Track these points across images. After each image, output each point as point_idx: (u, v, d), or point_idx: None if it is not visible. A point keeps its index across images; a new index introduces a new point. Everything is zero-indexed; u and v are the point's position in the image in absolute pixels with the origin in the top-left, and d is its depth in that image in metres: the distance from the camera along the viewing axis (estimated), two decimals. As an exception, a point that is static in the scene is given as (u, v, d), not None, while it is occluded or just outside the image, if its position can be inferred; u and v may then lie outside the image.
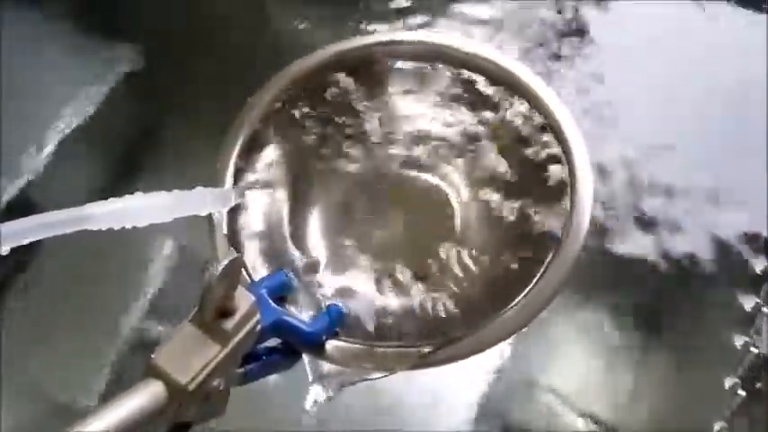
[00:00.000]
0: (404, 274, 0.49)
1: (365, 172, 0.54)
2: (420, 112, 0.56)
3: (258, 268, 0.50)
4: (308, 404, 0.45)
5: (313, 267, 0.50)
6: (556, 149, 0.53)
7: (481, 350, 0.47)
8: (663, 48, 0.58)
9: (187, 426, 0.38)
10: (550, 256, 0.49)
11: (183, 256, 0.51)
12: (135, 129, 0.59)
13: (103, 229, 0.42)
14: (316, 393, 0.45)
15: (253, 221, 0.52)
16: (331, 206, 0.52)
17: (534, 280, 0.49)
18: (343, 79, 0.57)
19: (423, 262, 0.50)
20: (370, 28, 0.60)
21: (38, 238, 0.40)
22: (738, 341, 0.47)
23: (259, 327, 0.40)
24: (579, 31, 0.60)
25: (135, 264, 0.51)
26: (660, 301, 0.49)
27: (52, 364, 0.48)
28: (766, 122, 0.54)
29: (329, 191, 0.53)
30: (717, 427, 0.44)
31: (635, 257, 0.50)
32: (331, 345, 0.47)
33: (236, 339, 0.38)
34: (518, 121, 0.55)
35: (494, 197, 0.52)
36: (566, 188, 0.52)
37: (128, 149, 0.57)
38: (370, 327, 0.48)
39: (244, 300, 0.39)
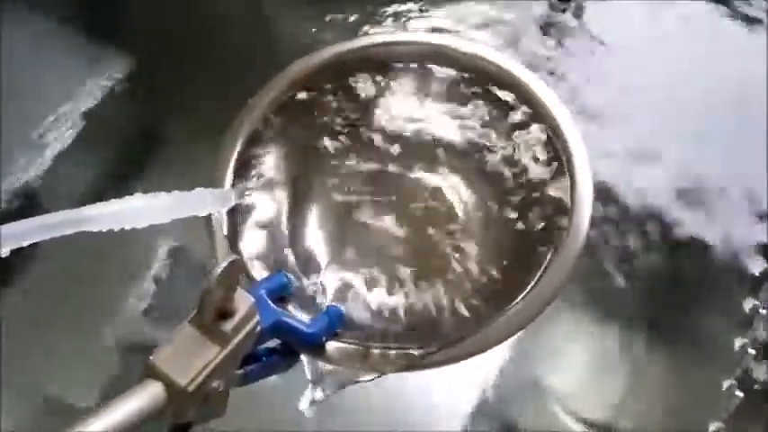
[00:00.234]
0: (404, 275, 0.49)
1: (365, 173, 0.54)
2: (420, 113, 0.56)
3: (258, 269, 0.50)
4: (308, 405, 0.45)
5: (313, 268, 0.50)
6: (555, 150, 0.53)
7: (481, 351, 0.47)
8: (663, 48, 0.58)
9: (187, 427, 0.38)
10: (550, 256, 0.49)
11: (182, 257, 0.51)
12: (135, 129, 0.59)
13: (103, 230, 0.42)
14: (315, 394, 0.45)
15: (252, 222, 0.52)
16: (331, 207, 0.52)
17: (534, 281, 0.49)
18: (344, 80, 0.57)
19: (423, 263, 0.50)
20: (371, 29, 0.60)
21: (37, 240, 0.40)
22: (736, 343, 0.47)
23: (258, 328, 0.40)
24: (579, 31, 0.60)
25: (134, 264, 0.51)
26: (659, 303, 0.49)
27: (52, 364, 0.49)
28: (766, 123, 0.54)
29: (329, 191, 0.53)
30: (714, 427, 0.44)
31: (634, 259, 0.50)
32: (331, 346, 0.47)
33: (236, 341, 0.38)
34: (518, 122, 0.55)
35: (494, 198, 0.52)
36: (565, 188, 0.52)
37: (127, 150, 0.57)
38: (370, 328, 0.48)
39: (243, 301, 0.39)
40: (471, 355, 0.47)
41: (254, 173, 0.54)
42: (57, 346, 0.49)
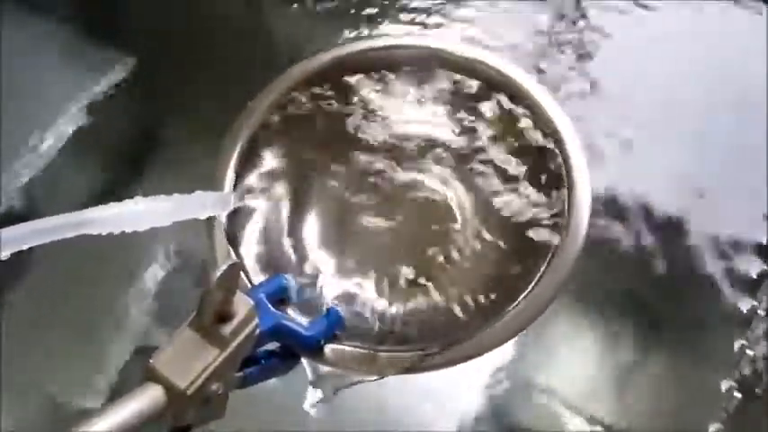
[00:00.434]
0: (403, 278, 0.49)
1: (365, 175, 0.54)
2: (419, 115, 0.56)
3: (257, 272, 0.50)
4: (307, 407, 0.45)
5: (312, 271, 0.50)
6: (554, 151, 0.53)
7: (481, 353, 0.47)
8: (663, 48, 0.58)
9: (186, 429, 0.38)
10: (549, 258, 0.49)
11: (182, 259, 0.52)
12: (135, 130, 0.59)
13: (103, 233, 0.42)
14: (315, 397, 0.45)
15: (252, 225, 0.52)
16: (330, 209, 0.53)
17: (534, 282, 0.49)
18: (343, 83, 0.57)
19: (422, 265, 0.50)
20: (370, 32, 0.60)
21: (38, 243, 0.40)
22: (735, 344, 0.47)
23: (258, 331, 0.40)
24: (579, 33, 0.60)
25: (134, 267, 0.51)
26: (658, 304, 0.49)
27: (52, 364, 0.49)
28: (766, 123, 0.54)
29: (329, 194, 0.53)
30: (713, 428, 0.44)
31: (633, 260, 0.50)
32: (330, 348, 0.47)
33: (235, 343, 0.38)
34: (517, 124, 0.55)
35: (493, 199, 0.52)
36: (564, 190, 0.52)
37: (127, 153, 0.58)
38: (369, 330, 0.48)
39: (242, 304, 0.39)
40: (471, 356, 0.47)
41: (253, 175, 0.54)
42: (57, 346, 0.49)
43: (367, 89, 0.57)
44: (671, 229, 0.51)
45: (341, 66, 0.58)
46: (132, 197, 0.45)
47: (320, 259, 0.50)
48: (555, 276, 0.49)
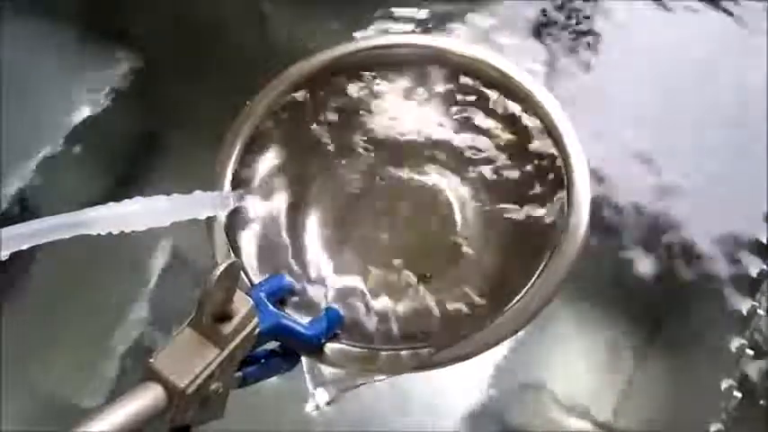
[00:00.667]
0: (403, 277, 0.50)
1: (365, 175, 0.54)
2: (420, 115, 0.56)
3: (257, 272, 0.50)
4: (307, 407, 0.45)
5: (312, 270, 0.50)
6: (553, 151, 0.53)
7: (480, 352, 0.47)
8: (664, 49, 0.58)
9: (186, 429, 0.38)
10: (549, 257, 0.49)
11: (181, 260, 0.52)
12: (134, 132, 0.59)
13: (103, 233, 0.42)
14: (314, 396, 0.45)
15: (252, 225, 0.52)
16: (330, 209, 0.53)
17: (533, 281, 0.49)
18: (343, 83, 0.57)
19: (422, 264, 0.50)
20: (369, 32, 0.60)
21: (37, 243, 0.40)
22: (735, 343, 0.47)
23: (257, 330, 0.40)
24: (579, 34, 0.60)
25: (134, 267, 0.51)
26: (657, 304, 0.49)
27: (52, 365, 0.49)
28: (766, 125, 0.54)
29: (328, 194, 0.53)
30: (713, 428, 0.45)
31: (633, 259, 0.50)
32: (330, 347, 0.47)
33: (235, 343, 0.38)
34: (516, 124, 0.55)
35: (493, 198, 0.52)
36: (564, 189, 0.52)
37: (127, 153, 0.58)
38: (369, 329, 0.48)
39: (242, 303, 0.39)
40: (471, 356, 0.47)
41: (253, 175, 0.54)
42: (57, 346, 0.49)
43: (366, 89, 0.57)
44: (671, 229, 0.51)
45: (340, 65, 0.58)
46: (131, 197, 0.45)
47: (320, 258, 0.50)
48: (554, 276, 0.49)
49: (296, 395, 0.45)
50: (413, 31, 0.60)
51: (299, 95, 0.57)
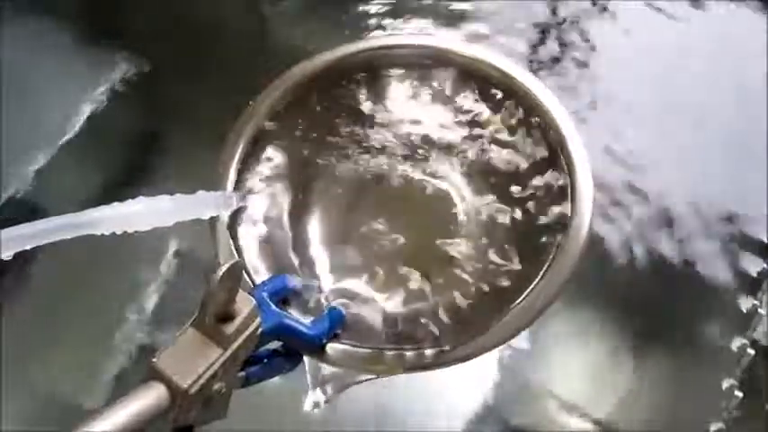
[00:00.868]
0: (405, 276, 0.50)
1: (367, 174, 0.54)
2: (420, 114, 0.56)
3: (259, 272, 0.50)
4: (309, 406, 0.45)
5: (314, 270, 0.50)
6: (557, 152, 0.53)
7: (482, 352, 0.47)
8: (664, 48, 0.58)
9: (189, 428, 0.38)
10: (551, 257, 0.50)
11: (184, 259, 0.52)
12: (137, 133, 0.59)
13: (106, 233, 0.42)
14: (316, 396, 0.45)
15: (254, 225, 0.52)
16: (332, 209, 0.53)
17: (535, 282, 0.49)
18: (345, 83, 0.57)
19: (424, 264, 0.50)
20: (371, 33, 0.60)
21: (40, 243, 0.40)
22: (736, 343, 0.47)
23: (260, 330, 0.40)
24: (579, 34, 0.60)
25: (137, 267, 0.51)
26: (659, 304, 0.49)
27: (52, 365, 0.49)
28: (766, 123, 0.54)
29: (331, 194, 0.53)
30: (714, 427, 0.45)
31: (634, 260, 0.50)
32: (332, 347, 0.47)
33: (237, 343, 0.38)
34: (518, 124, 0.55)
35: (495, 199, 0.52)
36: (566, 191, 0.52)
37: (130, 153, 0.58)
38: (371, 329, 0.48)
39: (245, 303, 0.39)
40: (472, 356, 0.47)
41: (256, 175, 0.54)
42: (57, 346, 0.49)
43: (368, 89, 0.57)
44: (671, 229, 0.51)
45: (342, 66, 0.58)
46: (133, 197, 0.45)
47: (322, 258, 0.51)
48: (557, 277, 0.49)
49: (298, 395, 0.45)
50: (415, 31, 0.60)
51: (302, 96, 0.57)
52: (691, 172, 0.53)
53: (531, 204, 0.52)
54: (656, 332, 0.48)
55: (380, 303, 0.49)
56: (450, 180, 0.53)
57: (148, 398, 0.35)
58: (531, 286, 0.49)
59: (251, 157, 0.54)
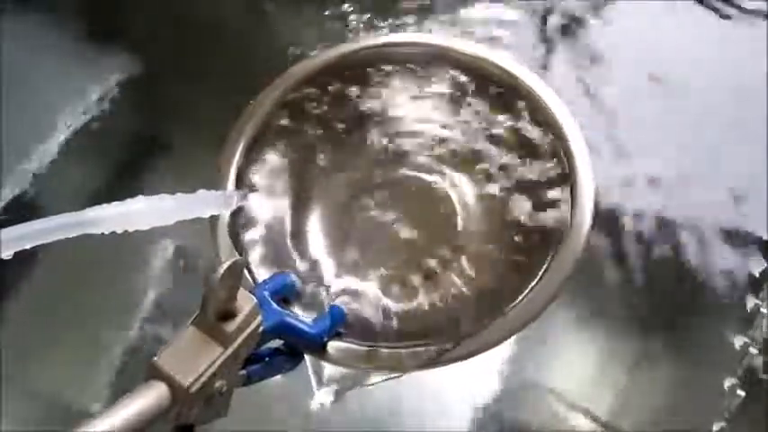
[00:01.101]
0: (405, 276, 0.50)
1: (366, 174, 0.54)
2: (420, 114, 0.56)
3: (261, 270, 0.50)
4: (310, 405, 0.45)
5: (315, 268, 0.50)
6: (556, 150, 0.53)
7: (483, 351, 0.47)
8: (665, 47, 0.58)
9: (190, 427, 0.38)
10: (551, 256, 0.50)
11: (185, 258, 0.52)
12: (137, 132, 0.59)
13: (106, 232, 0.42)
14: (317, 394, 0.45)
15: (255, 224, 0.52)
16: (333, 208, 0.53)
17: (535, 280, 0.49)
18: (344, 82, 0.57)
19: (424, 263, 0.50)
20: (370, 31, 0.60)
21: (40, 243, 0.40)
22: (738, 342, 0.47)
23: (261, 328, 0.40)
24: (579, 34, 0.60)
25: (138, 266, 0.51)
26: (660, 302, 0.49)
27: (52, 365, 0.49)
28: (766, 122, 0.54)
29: (331, 193, 0.53)
30: (716, 427, 0.45)
31: (635, 258, 0.50)
32: (333, 346, 0.47)
33: (239, 341, 0.38)
34: (518, 122, 0.55)
35: (495, 197, 0.52)
36: (567, 188, 0.52)
37: (130, 153, 0.58)
38: (372, 328, 0.48)
39: (246, 302, 0.39)
40: (473, 354, 0.47)
41: (256, 174, 0.54)
42: (57, 346, 0.49)
43: (369, 87, 0.57)
44: (672, 229, 0.51)
45: (342, 64, 0.58)
46: (133, 197, 0.45)
47: (323, 257, 0.51)
48: (556, 275, 0.49)
49: (299, 393, 0.45)
50: (416, 30, 0.60)
51: (302, 94, 0.57)
52: (691, 172, 0.53)
53: (531, 203, 0.51)
54: (658, 331, 0.48)
55: (381, 302, 0.49)
56: (450, 179, 0.53)
57: (149, 397, 0.35)
58: (532, 285, 0.48)
59: (252, 156, 0.55)
